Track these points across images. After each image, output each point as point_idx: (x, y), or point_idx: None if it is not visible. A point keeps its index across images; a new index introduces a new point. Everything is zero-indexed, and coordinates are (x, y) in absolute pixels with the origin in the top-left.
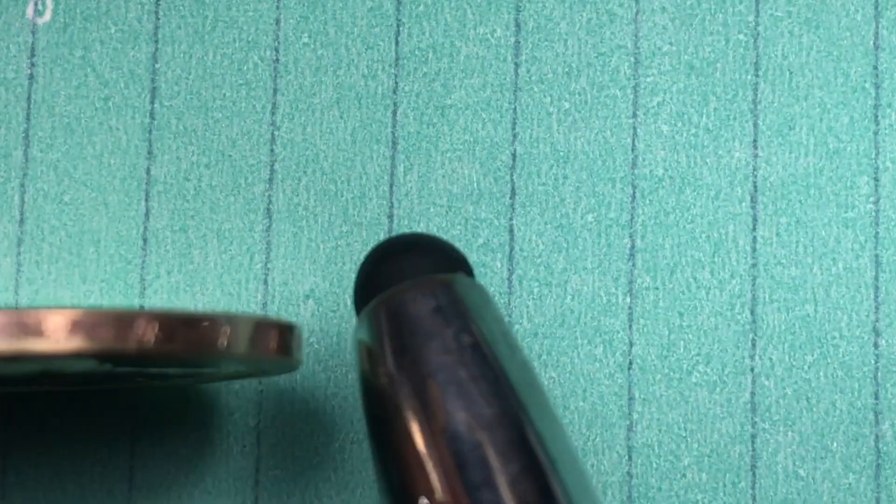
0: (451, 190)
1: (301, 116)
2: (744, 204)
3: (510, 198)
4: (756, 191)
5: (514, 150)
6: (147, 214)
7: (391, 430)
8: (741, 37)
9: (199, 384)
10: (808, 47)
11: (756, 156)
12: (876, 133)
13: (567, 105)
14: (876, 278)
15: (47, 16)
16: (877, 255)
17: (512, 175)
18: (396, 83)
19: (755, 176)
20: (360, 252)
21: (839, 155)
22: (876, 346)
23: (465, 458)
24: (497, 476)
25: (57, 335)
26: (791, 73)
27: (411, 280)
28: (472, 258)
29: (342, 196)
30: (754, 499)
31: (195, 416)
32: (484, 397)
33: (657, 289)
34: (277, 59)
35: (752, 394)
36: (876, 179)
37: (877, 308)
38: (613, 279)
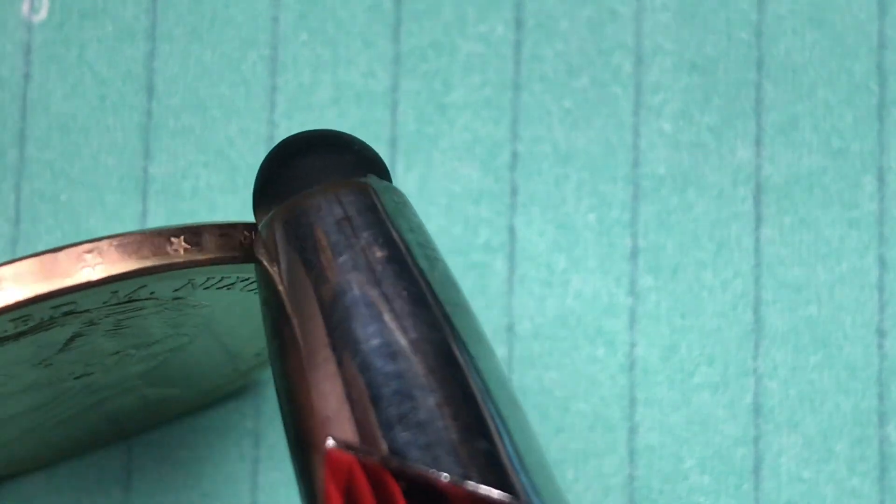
0: (451, 190)
1: (300, 115)
2: (747, 203)
3: (511, 197)
4: (759, 190)
5: (515, 148)
6: (144, 214)
7: (295, 360)
8: (744, 35)
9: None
10: (811, 45)
11: (759, 155)
12: (880, 132)
13: (568, 103)
14: (881, 278)
15: (43, 13)
16: (881, 255)
17: (513, 174)
18: (396, 81)
19: (758, 175)
20: None
21: (843, 154)
22: (880, 347)
23: (379, 392)
24: (415, 411)
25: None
26: (794, 71)
27: (315, 185)
28: (473, 258)
29: None
30: (757, 501)
31: (192, 417)
32: (399, 320)
33: (659, 289)
34: (275, 57)
35: (756, 395)
36: (880, 178)
37: (881, 309)
38: (615, 279)
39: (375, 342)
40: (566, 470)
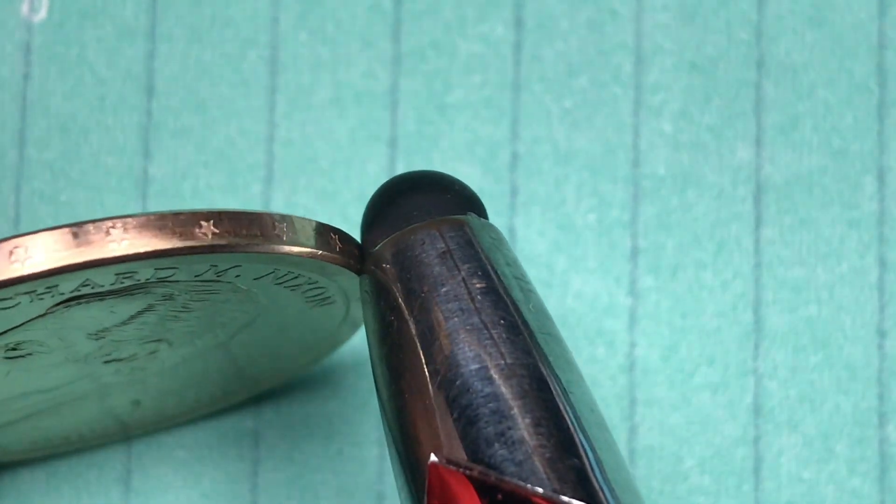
0: None
1: (299, 115)
2: (747, 203)
3: (511, 197)
4: (759, 190)
5: (515, 149)
6: None
7: (399, 382)
8: (744, 35)
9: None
10: (811, 45)
11: (759, 155)
12: (880, 132)
13: (568, 104)
14: (881, 279)
15: (43, 13)
16: (881, 255)
17: (512, 174)
18: (396, 81)
19: (758, 175)
20: None
21: (843, 154)
22: (880, 347)
23: (478, 412)
24: (511, 430)
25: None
26: (794, 71)
27: (419, 221)
28: None
29: (341, 196)
30: (757, 501)
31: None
32: (496, 346)
33: (659, 289)
34: (275, 58)
35: (756, 396)
36: (880, 179)
37: (881, 309)
38: (615, 280)
39: (475, 366)
40: None
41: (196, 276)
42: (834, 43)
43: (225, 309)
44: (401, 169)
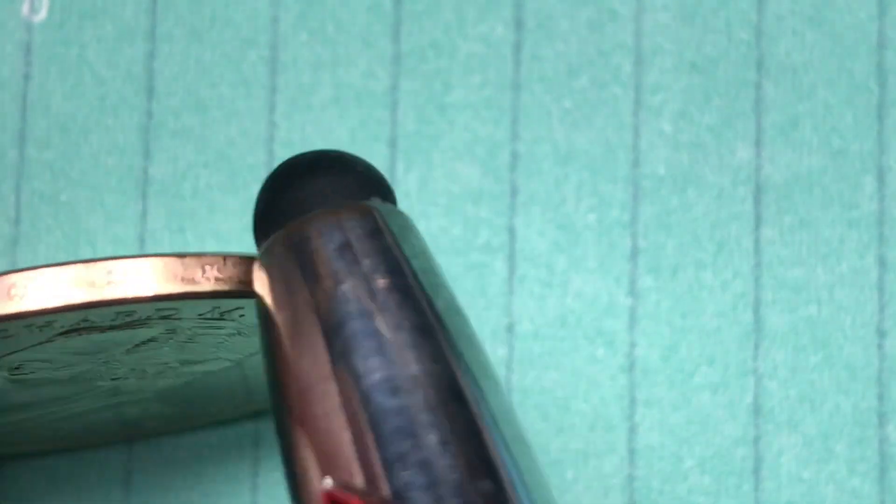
0: (451, 190)
1: (299, 115)
2: (747, 203)
3: (511, 197)
4: (759, 190)
5: (515, 149)
6: (144, 215)
7: (292, 394)
8: (744, 35)
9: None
10: (811, 45)
11: (759, 155)
12: (880, 132)
13: (568, 104)
14: (881, 278)
15: (43, 13)
16: (881, 255)
17: (513, 174)
18: (396, 82)
19: (758, 175)
20: None
21: (843, 154)
22: (880, 347)
23: (379, 429)
24: (417, 449)
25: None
26: (794, 71)
27: (316, 209)
28: (473, 258)
29: None
30: (757, 501)
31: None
32: (402, 352)
33: (659, 289)
34: (275, 58)
35: (756, 396)
36: (880, 179)
37: (881, 309)
38: (615, 280)
39: (376, 376)
40: (566, 470)
41: (199, 315)
42: (834, 43)
43: (232, 340)
44: (401, 169)
